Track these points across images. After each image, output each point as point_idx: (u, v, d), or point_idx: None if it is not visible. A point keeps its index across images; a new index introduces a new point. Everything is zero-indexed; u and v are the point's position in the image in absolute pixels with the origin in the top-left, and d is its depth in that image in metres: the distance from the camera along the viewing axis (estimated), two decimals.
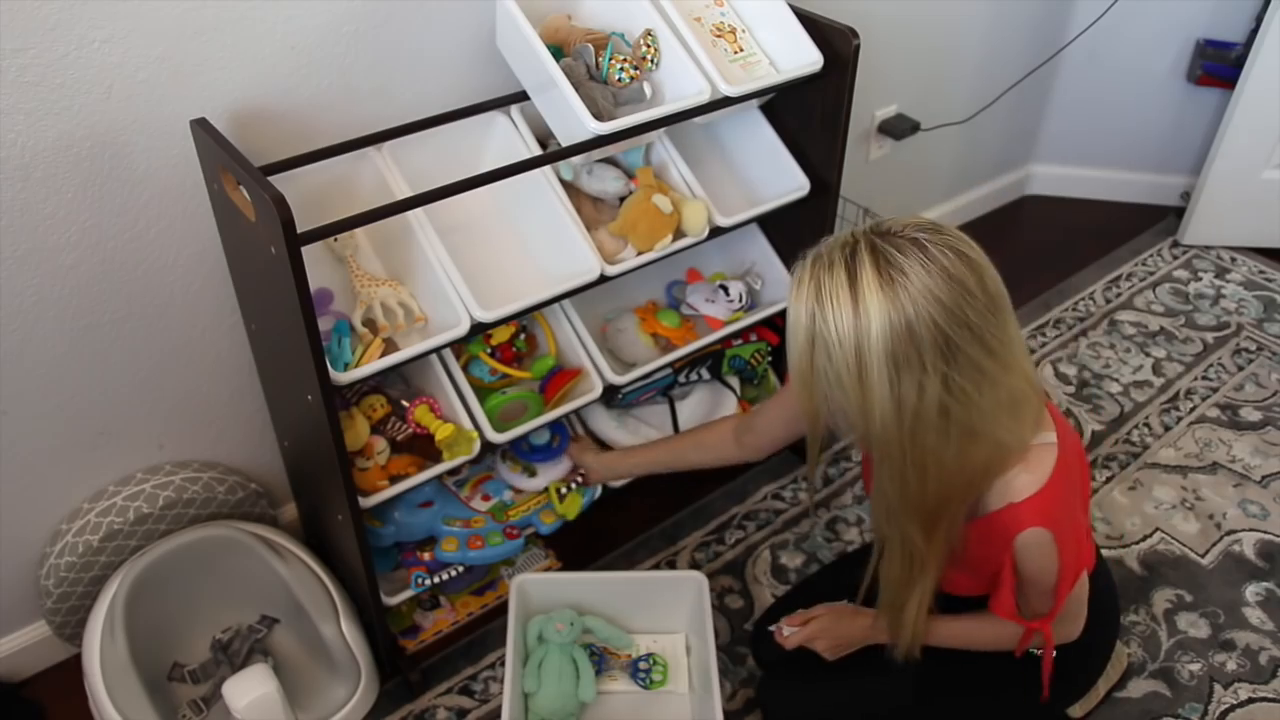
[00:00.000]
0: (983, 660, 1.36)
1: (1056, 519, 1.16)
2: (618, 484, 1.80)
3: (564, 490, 1.72)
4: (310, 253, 1.19)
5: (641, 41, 1.53)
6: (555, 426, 1.76)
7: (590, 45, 1.49)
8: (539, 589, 1.67)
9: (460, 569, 1.66)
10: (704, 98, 1.48)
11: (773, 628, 1.45)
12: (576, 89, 1.41)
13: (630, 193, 1.60)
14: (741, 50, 1.63)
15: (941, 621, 1.31)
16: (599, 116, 1.40)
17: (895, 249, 1.02)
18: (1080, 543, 1.24)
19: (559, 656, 1.59)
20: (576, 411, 1.66)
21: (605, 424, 1.80)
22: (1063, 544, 1.17)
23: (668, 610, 1.68)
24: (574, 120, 1.40)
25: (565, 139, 1.47)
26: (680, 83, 1.51)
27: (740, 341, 1.90)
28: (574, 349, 1.67)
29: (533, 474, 1.73)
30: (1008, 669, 1.36)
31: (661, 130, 1.55)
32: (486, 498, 1.70)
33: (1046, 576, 1.19)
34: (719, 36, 1.62)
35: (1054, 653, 1.32)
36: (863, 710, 1.43)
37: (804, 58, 1.59)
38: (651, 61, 1.53)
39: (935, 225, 1.06)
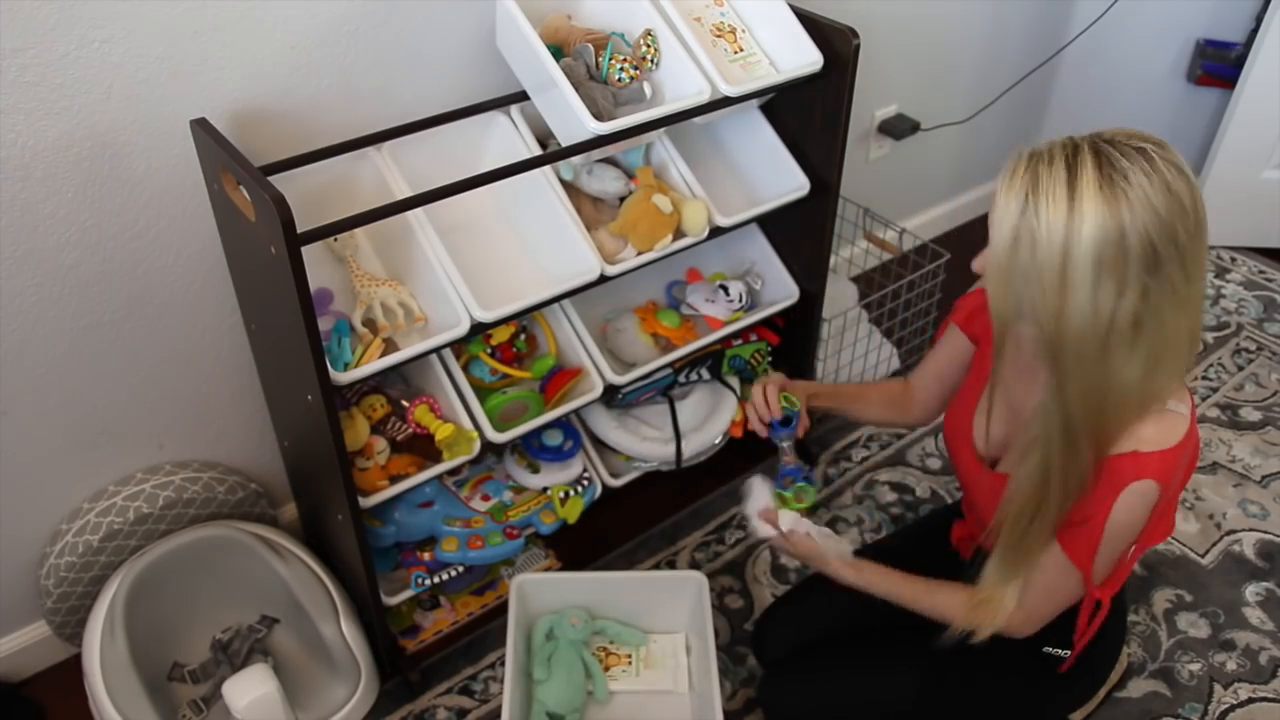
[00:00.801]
0: (986, 659, 1.36)
1: (1169, 482, 1.14)
2: (616, 484, 1.79)
3: (566, 494, 1.72)
4: (310, 253, 1.19)
5: (641, 41, 1.53)
6: (568, 430, 1.77)
7: (590, 45, 1.49)
8: (539, 589, 1.67)
9: (460, 569, 1.66)
10: (704, 98, 1.48)
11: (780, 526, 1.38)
12: (576, 89, 1.41)
13: (630, 193, 1.60)
14: (741, 50, 1.63)
15: (899, 577, 1.31)
16: (599, 116, 1.40)
17: (1120, 154, 1.00)
18: (1166, 519, 1.22)
19: (569, 652, 1.60)
20: (576, 411, 1.66)
21: (605, 424, 1.80)
22: (1159, 510, 1.14)
23: (668, 610, 1.69)
24: (574, 120, 1.40)
25: (565, 139, 1.47)
26: (680, 83, 1.51)
27: (740, 341, 1.90)
28: (574, 349, 1.67)
29: (535, 470, 1.73)
30: (1011, 668, 1.36)
31: (661, 130, 1.55)
32: (486, 498, 1.70)
33: (1128, 534, 1.16)
34: (719, 36, 1.62)
35: (1088, 629, 1.29)
36: (864, 709, 1.43)
37: (804, 58, 1.59)
38: (651, 61, 1.53)
39: (1157, 139, 1.03)
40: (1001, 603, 1.22)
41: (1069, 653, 1.36)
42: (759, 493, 1.40)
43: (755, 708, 1.64)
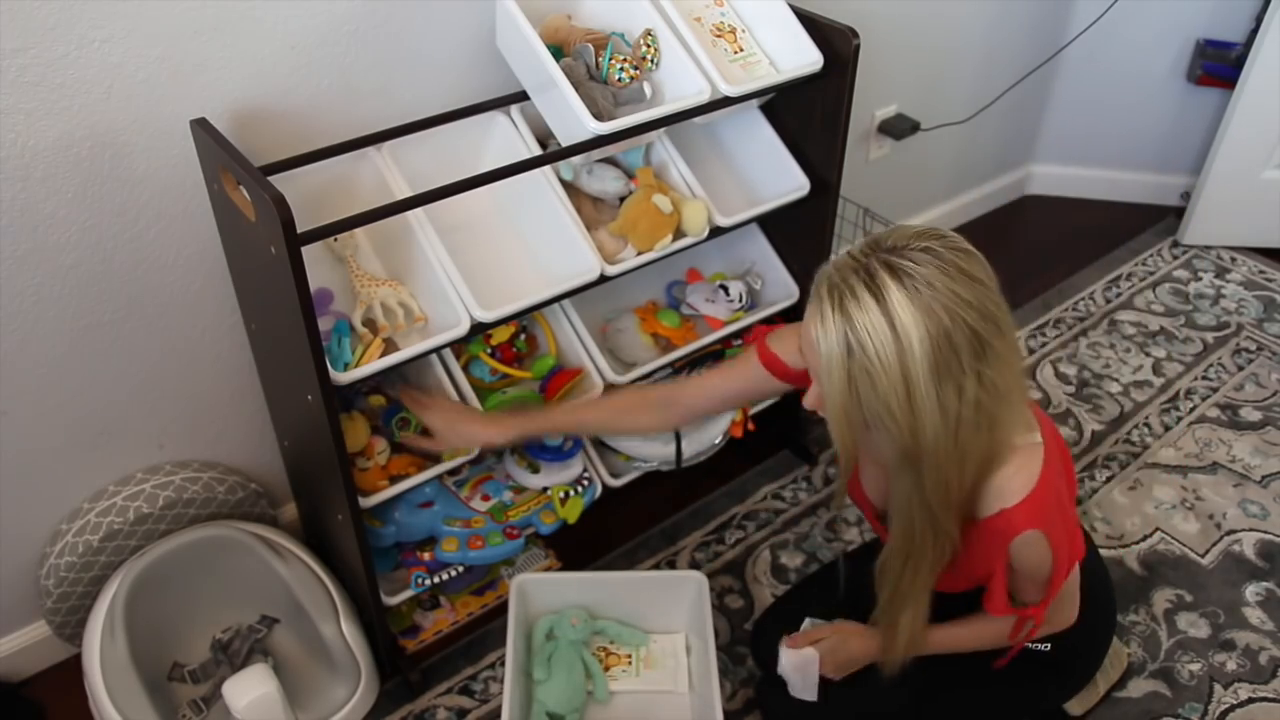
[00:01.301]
0: (983, 658, 1.36)
1: (1049, 518, 1.16)
2: (616, 484, 1.79)
3: (566, 494, 1.72)
4: (310, 253, 1.20)
5: (641, 41, 1.53)
6: None
7: (590, 45, 1.49)
8: (539, 589, 1.67)
9: (460, 569, 1.66)
10: (704, 98, 1.48)
11: (783, 645, 1.43)
12: (576, 89, 1.41)
13: (630, 193, 1.60)
14: (741, 50, 1.63)
15: (931, 630, 1.31)
16: (599, 116, 1.40)
17: (912, 261, 1.02)
18: (1072, 536, 1.25)
19: (569, 652, 1.60)
20: None
21: None
22: (1056, 542, 1.17)
23: (668, 610, 1.69)
24: (574, 120, 1.40)
25: (565, 139, 1.47)
26: (680, 83, 1.51)
27: (740, 341, 1.90)
28: (574, 349, 1.67)
29: (535, 470, 1.73)
30: (1008, 666, 1.37)
31: (661, 130, 1.55)
32: (486, 498, 1.69)
33: (1041, 572, 1.20)
34: (719, 36, 1.62)
35: (1042, 629, 1.34)
36: (863, 709, 1.43)
37: (804, 58, 1.59)
38: (651, 61, 1.53)
39: (931, 230, 1.06)
40: (899, 630, 1.26)
41: (1048, 645, 1.38)
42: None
43: (755, 708, 1.64)
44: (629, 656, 1.67)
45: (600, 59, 1.50)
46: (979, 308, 1.02)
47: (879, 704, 1.42)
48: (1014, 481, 1.15)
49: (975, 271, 1.03)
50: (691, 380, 1.57)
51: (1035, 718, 1.57)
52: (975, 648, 1.36)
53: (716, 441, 1.88)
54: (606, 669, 1.64)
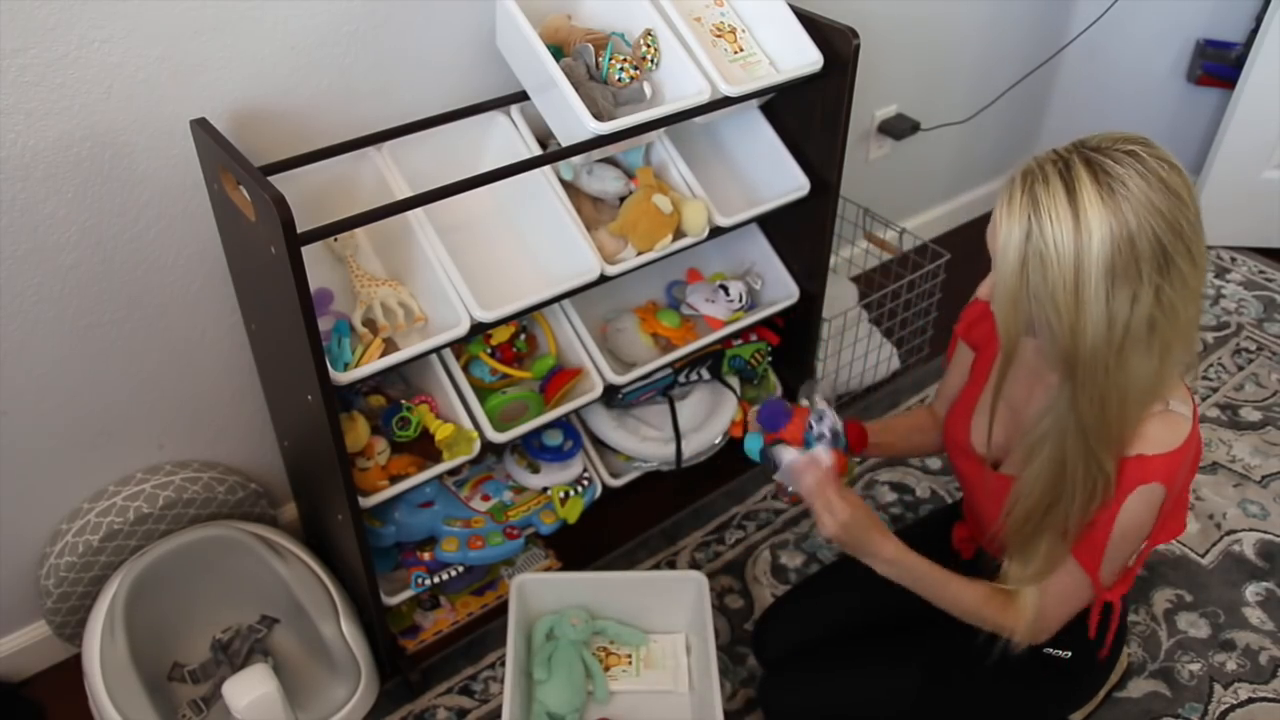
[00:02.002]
0: (986, 661, 1.36)
1: (1174, 484, 1.14)
2: (616, 484, 1.79)
3: (566, 494, 1.72)
4: (310, 253, 1.20)
5: (641, 41, 1.53)
6: (568, 430, 1.77)
7: (590, 45, 1.49)
8: (539, 589, 1.67)
9: (460, 569, 1.66)
10: (704, 98, 1.48)
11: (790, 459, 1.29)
12: (576, 89, 1.41)
13: (630, 193, 1.60)
14: (741, 50, 1.63)
15: (925, 562, 1.26)
16: (599, 116, 1.40)
17: (1113, 160, 1.00)
18: (1175, 518, 1.22)
19: (569, 652, 1.60)
20: (577, 411, 1.66)
21: (605, 424, 1.80)
22: (1165, 511, 1.15)
23: (668, 610, 1.69)
24: (574, 120, 1.40)
25: (565, 139, 1.47)
26: (680, 83, 1.51)
27: (740, 341, 1.90)
28: (574, 349, 1.67)
29: (535, 470, 1.73)
30: (1011, 670, 1.36)
31: (661, 130, 1.55)
32: (486, 498, 1.70)
33: (1136, 536, 1.16)
34: (719, 36, 1.62)
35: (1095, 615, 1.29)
36: (865, 710, 1.43)
37: (804, 58, 1.59)
38: (651, 61, 1.53)
39: (1141, 137, 1.04)
40: (1023, 604, 1.22)
41: (1069, 654, 1.35)
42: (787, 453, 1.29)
43: (755, 708, 1.64)
44: (629, 656, 1.67)
45: (600, 59, 1.50)
46: (1171, 221, 0.99)
47: (880, 705, 1.42)
48: (1161, 434, 1.11)
49: (1176, 185, 1.01)
50: (938, 397, 1.51)
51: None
52: (942, 602, 1.27)
53: (716, 441, 1.88)
54: (606, 669, 1.64)
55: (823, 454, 1.27)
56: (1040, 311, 1.04)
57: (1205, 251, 1.05)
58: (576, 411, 1.66)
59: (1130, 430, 1.12)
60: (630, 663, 1.66)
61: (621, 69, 1.48)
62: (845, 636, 1.49)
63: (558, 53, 1.49)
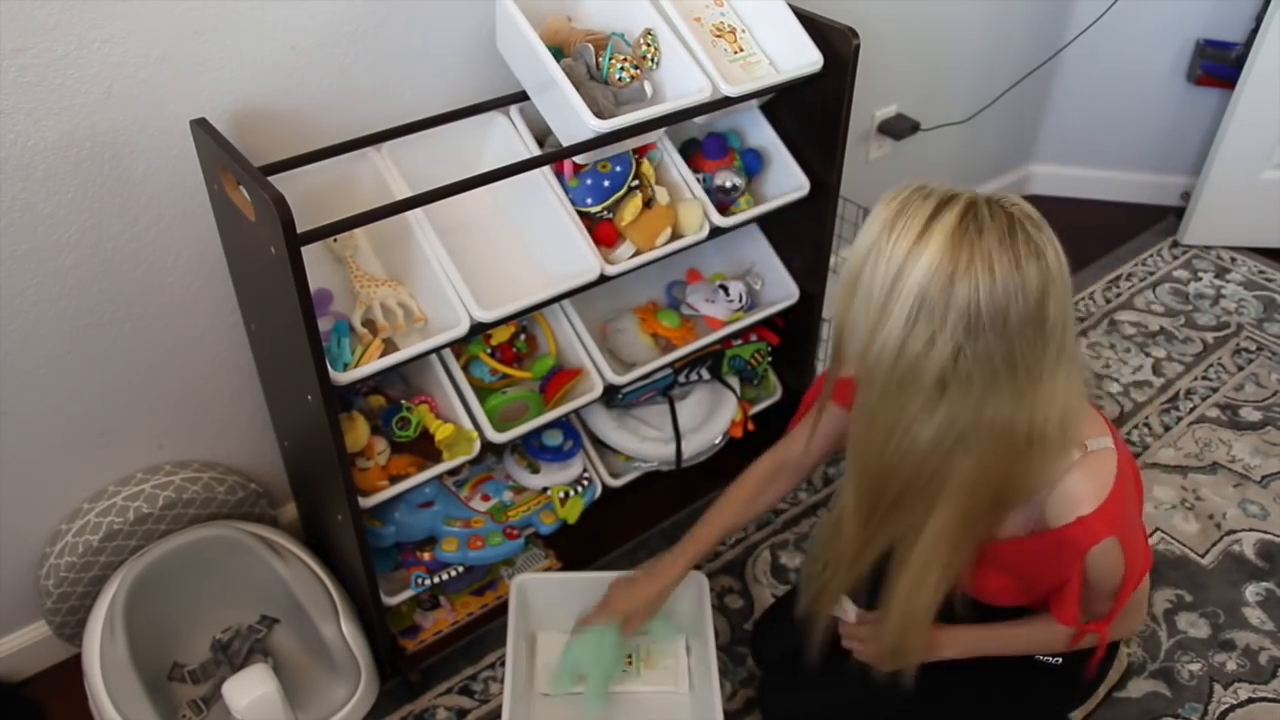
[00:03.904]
0: (985, 663, 1.36)
1: (1124, 525, 1.13)
2: (616, 484, 1.79)
3: (566, 494, 1.72)
4: (310, 253, 1.19)
5: (641, 41, 1.53)
6: (568, 430, 1.77)
7: (590, 45, 1.49)
8: (539, 589, 1.67)
9: (460, 569, 1.66)
10: (704, 97, 1.48)
11: (838, 611, 1.37)
12: (577, 89, 1.41)
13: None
14: (741, 50, 1.63)
15: (984, 630, 1.29)
16: (600, 115, 1.40)
17: (989, 214, 0.99)
18: (1144, 545, 1.22)
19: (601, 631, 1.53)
20: (577, 411, 1.66)
21: (605, 424, 1.80)
22: (1130, 550, 1.14)
23: (667, 610, 1.68)
24: (574, 119, 1.40)
25: (565, 138, 1.47)
26: (680, 82, 1.51)
27: (740, 342, 1.90)
28: (574, 349, 1.67)
29: (535, 470, 1.73)
30: (1010, 672, 1.36)
31: (661, 130, 1.55)
32: (486, 498, 1.70)
33: (1112, 582, 1.17)
34: (719, 36, 1.62)
35: (1101, 647, 1.31)
36: (863, 711, 1.43)
37: (804, 58, 1.59)
38: (651, 61, 1.53)
39: (1038, 218, 1.03)
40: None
41: (1059, 660, 1.36)
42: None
43: (755, 708, 1.64)
44: (629, 657, 1.67)
45: (600, 59, 1.50)
46: (999, 296, 0.97)
47: (879, 706, 1.41)
48: (1088, 485, 1.11)
49: (1028, 275, 0.98)
50: (791, 438, 1.50)
51: None
52: (1027, 652, 1.32)
53: (716, 442, 1.88)
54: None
55: (848, 608, 1.35)
56: (857, 304, 1.04)
57: (1039, 369, 1.02)
58: (576, 411, 1.66)
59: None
60: (630, 663, 1.66)
61: (622, 68, 1.48)
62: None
63: (558, 54, 1.49)
